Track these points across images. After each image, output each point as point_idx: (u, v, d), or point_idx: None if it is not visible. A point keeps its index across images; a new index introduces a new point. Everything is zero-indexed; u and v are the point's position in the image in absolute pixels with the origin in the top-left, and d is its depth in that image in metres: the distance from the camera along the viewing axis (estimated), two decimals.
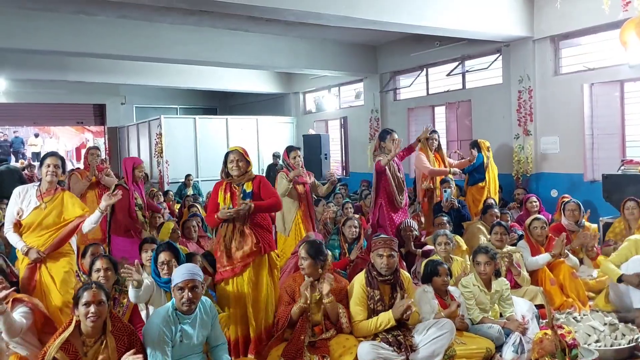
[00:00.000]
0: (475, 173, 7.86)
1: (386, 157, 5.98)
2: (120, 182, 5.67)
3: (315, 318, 4.01)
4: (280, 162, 12.26)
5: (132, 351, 3.01)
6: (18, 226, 4.20)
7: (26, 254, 4.13)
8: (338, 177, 13.62)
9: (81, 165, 18.35)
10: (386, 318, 3.89)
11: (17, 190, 4.30)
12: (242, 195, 4.24)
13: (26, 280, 4.15)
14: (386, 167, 5.99)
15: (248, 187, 4.30)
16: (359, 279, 4.11)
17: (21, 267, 4.29)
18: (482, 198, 7.65)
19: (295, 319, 3.93)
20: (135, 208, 5.51)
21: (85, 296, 3.06)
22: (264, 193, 4.31)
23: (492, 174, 7.96)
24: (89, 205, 6.00)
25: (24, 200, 4.23)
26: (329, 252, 4.27)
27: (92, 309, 3.04)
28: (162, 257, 4.00)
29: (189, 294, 3.32)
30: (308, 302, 3.91)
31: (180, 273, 3.39)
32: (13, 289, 3.62)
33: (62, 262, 4.22)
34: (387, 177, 6.01)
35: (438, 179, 7.28)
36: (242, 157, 4.29)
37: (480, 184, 7.80)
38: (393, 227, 6.04)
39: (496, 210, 6.59)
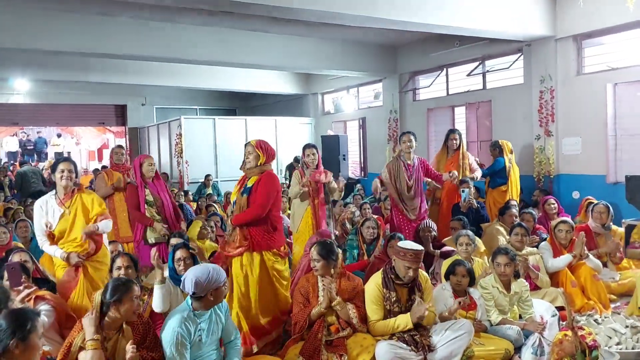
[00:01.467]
0: (496, 177, 7.74)
1: (385, 173, 6.18)
2: (131, 180, 5.74)
3: (329, 318, 4.01)
4: (299, 160, 12.34)
5: (129, 342, 3.11)
6: (52, 237, 4.26)
7: (67, 260, 4.18)
8: (357, 177, 13.63)
9: (100, 164, 18.57)
10: (404, 321, 3.87)
11: (38, 203, 4.34)
12: (242, 190, 4.34)
13: (66, 279, 4.21)
14: (386, 180, 6.18)
15: (250, 182, 4.34)
16: (375, 279, 4.08)
17: (57, 270, 4.36)
18: (503, 201, 7.43)
19: (314, 320, 3.96)
20: (145, 204, 5.54)
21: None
22: (253, 196, 4.27)
23: (514, 177, 7.78)
24: (116, 204, 6.13)
25: (47, 211, 4.27)
26: (339, 250, 4.25)
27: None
28: (179, 254, 4.13)
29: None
30: (331, 304, 3.93)
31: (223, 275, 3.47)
32: (34, 288, 3.66)
33: (101, 272, 4.31)
34: (389, 189, 6.25)
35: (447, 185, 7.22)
36: (253, 149, 4.35)
37: (502, 188, 7.68)
38: (410, 230, 6.01)
39: (514, 210, 6.48)
